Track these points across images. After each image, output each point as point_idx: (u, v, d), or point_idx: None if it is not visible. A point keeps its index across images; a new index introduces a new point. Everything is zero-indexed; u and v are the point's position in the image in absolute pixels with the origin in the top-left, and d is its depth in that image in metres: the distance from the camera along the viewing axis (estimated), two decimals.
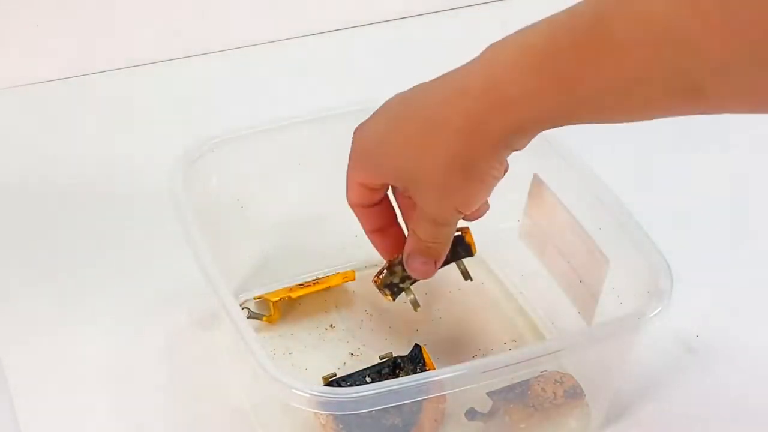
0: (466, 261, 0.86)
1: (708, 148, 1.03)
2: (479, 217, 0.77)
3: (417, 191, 0.72)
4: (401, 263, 0.85)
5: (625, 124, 0.65)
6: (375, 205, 0.78)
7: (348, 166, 0.75)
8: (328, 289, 0.87)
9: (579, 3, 0.62)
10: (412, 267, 0.77)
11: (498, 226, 0.87)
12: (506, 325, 0.86)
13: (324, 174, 0.85)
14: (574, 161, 0.81)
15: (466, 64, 0.68)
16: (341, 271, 0.88)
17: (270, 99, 1.07)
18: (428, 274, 0.77)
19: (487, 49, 0.67)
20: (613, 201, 0.78)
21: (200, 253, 0.75)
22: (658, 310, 0.72)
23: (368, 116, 0.74)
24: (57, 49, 1.11)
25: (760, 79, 0.56)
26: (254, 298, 0.86)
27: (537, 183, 0.83)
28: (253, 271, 0.87)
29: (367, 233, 0.80)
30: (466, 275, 0.86)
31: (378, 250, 0.81)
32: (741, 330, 0.87)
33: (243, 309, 0.83)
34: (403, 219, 0.80)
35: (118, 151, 1.02)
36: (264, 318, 0.85)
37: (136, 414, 0.80)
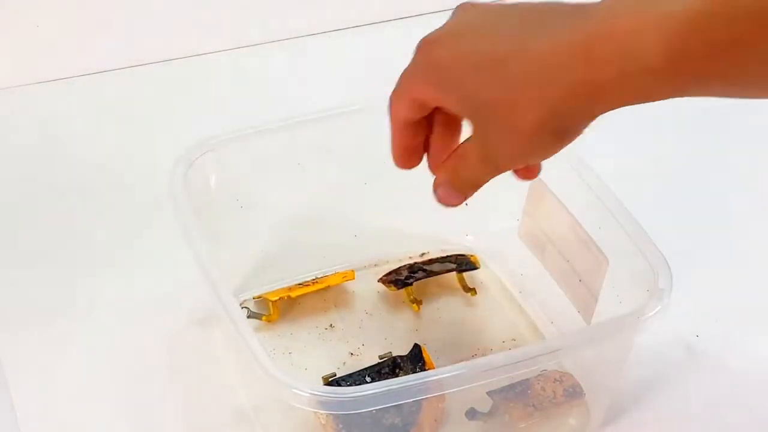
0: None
1: (708, 148, 1.03)
2: (535, 176, 0.73)
3: (492, 133, 0.65)
4: (408, 268, 0.86)
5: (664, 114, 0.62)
6: (417, 121, 0.71)
7: (406, 76, 0.68)
8: (327, 288, 0.87)
9: None
10: (441, 196, 0.71)
11: (498, 226, 0.87)
12: (506, 324, 0.86)
13: (324, 174, 0.85)
14: (574, 161, 0.81)
15: (578, 14, 0.62)
16: (341, 271, 0.88)
17: (270, 99, 1.06)
18: (453, 206, 0.71)
19: (608, 7, 0.61)
20: (613, 200, 0.78)
21: (199, 252, 0.75)
22: (658, 309, 0.72)
23: (410, 62, 0.68)
24: (57, 49, 1.11)
25: None
26: (254, 298, 0.86)
27: (537, 183, 0.83)
28: (252, 271, 0.87)
29: (394, 147, 0.73)
30: (467, 288, 0.87)
31: (394, 157, 0.73)
32: (740, 330, 0.87)
33: (242, 308, 0.83)
34: (433, 140, 0.73)
35: (117, 151, 1.01)
36: (263, 317, 0.85)
37: (136, 414, 0.80)
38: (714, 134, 1.02)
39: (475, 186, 0.70)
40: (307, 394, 0.67)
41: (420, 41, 0.68)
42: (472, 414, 0.75)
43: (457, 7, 0.69)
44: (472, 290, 0.87)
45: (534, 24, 0.64)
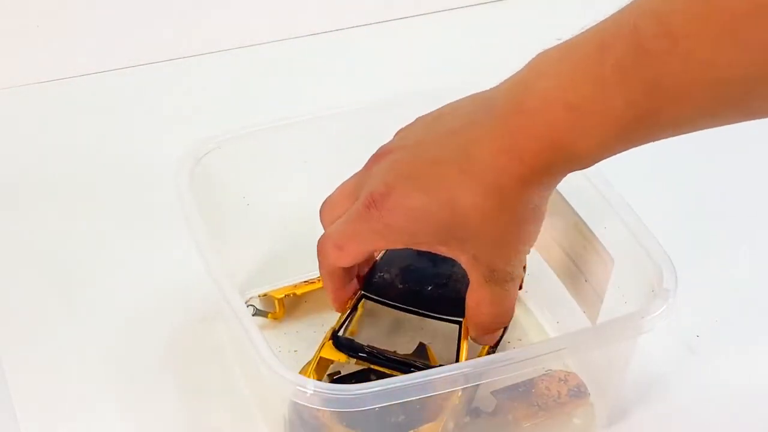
0: None
1: (712, 148, 1.03)
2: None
3: (469, 246, 0.69)
4: None
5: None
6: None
7: (364, 235, 0.70)
8: None
9: (621, 17, 0.61)
10: (485, 342, 0.77)
11: None
12: (510, 323, 0.86)
13: (329, 171, 0.84)
14: None
15: (506, 92, 0.65)
16: None
17: (275, 98, 1.06)
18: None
19: (538, 71, 0.64)
20: (618, 200, 0.78)
21: (205, 250, 0.75)
22: (662, 309, 0.72)
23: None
24: (57, 49, 1.11)
25: None
26: (259, 296, 0.86)
27: None
28: (258, 268, 0.87)
29: (332, 290, 0.76)
30: None
31: (337, 307, 0.78)
32: (741, 330, 0.87)
33: (248, 306, 0.83)
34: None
35: (121, 151, 1.01)
36: (269, 315, 0.85)
37: (139, 412, 0.80)
38: (717, 134, 1.02)
39: (501, 310, 0.74)
40: (312, 392, 0.67)
41: (366, 197, 0.69)
42: (475, 413, 0.75)
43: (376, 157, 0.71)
44: None
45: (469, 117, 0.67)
